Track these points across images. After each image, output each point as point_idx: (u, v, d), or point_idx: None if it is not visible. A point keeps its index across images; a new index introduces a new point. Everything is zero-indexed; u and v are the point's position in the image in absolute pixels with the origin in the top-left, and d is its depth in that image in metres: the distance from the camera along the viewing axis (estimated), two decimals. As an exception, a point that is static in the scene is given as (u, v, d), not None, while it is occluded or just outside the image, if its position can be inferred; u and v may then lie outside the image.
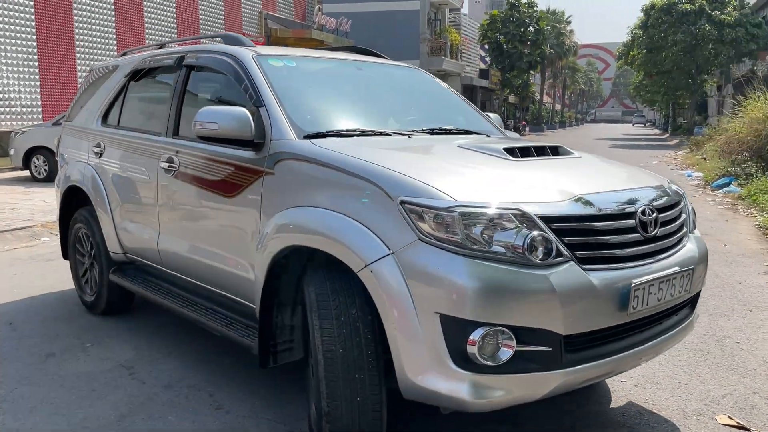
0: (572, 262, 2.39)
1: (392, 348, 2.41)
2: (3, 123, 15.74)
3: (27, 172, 13.58)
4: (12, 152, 13.46)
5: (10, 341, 4.14)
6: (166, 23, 21.04)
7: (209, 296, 3.61)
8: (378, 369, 2.49)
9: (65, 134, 5.29)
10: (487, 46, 43.75)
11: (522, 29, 40.99)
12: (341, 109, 3.59)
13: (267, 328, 2.96)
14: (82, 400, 3.27)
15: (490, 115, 4.40)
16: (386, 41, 28.25)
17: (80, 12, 17.65)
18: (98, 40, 18.31)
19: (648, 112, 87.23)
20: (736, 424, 2.99)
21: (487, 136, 3.87)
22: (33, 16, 16.21)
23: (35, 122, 15.82)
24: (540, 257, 2.34)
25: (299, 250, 2.80)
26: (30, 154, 13.32)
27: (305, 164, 2.87)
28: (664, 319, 2.78)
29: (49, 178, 13.03)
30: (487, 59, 46.28)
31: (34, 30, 16.24)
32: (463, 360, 2.30)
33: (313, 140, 3.00)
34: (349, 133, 3.22)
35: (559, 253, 2.38)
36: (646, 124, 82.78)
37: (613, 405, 3.22)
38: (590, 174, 3.07)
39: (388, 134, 3.35)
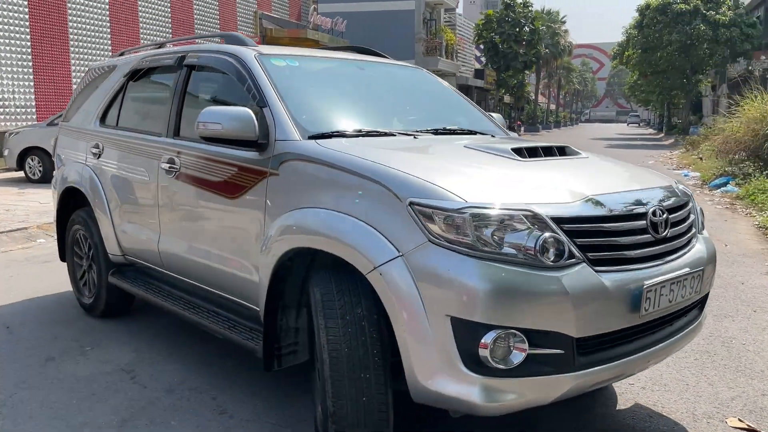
0: (584, 264, 2.36)
1: (402, 351, 2.38)
2: (-3, 123, 15.64)
3: (21, 173, 13.48)
4: (6, 153, 13.36)
5: (7, 345, 4.08)
6: (160, 23, 20.95)
7: (211, 298, 3.57)
8: (384, 368, 2.45)
9: (62, 135, 5.22)
10: (482, 46, 43.78)
11: (517, 29, 41.04)
12: (345, 110, 3.55)
13: (271, 330, 2.92)
14: (83, 404, 3.22)
15: (493, 115, 4.37)
16: (381, 41, 28.15)
17: (74, 11, 17.55)
18: (93, 39, 18.21)
19: (642, 111, 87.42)
20: (746, 427, 2.96)
21: (492, 136, 3.83)
22: (27, 16, 16.11)
23: (29, 123, 15.71)
24: (552, 259, 2.31)
25: (304, 252, 2.76)
26: (24, 154, 13.21)
27: (311, 165, 2.83)
28: (674, 320, 2.76)
29: (44, 179, 12.95)
30: (482, 59, 46.30)
31: (28, 30, 16.13)
32: (474, 363, 2.27)
33: (318, 141, 2.96)
34: (353, 134, 3.18)
35: (571, 255, 2.35)
36: (641, 124, 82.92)
37: (621, 408, 3.19)
38: (599, 174, 3.04)
39: (392, 134, 3.31)
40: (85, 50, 17.91)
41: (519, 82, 44.63)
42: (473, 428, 2.92)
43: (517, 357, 2.27)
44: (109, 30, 18.80)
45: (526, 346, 2.27)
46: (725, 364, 3.70)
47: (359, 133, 3.20)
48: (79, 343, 4.10)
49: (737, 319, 4.50)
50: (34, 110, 16.29)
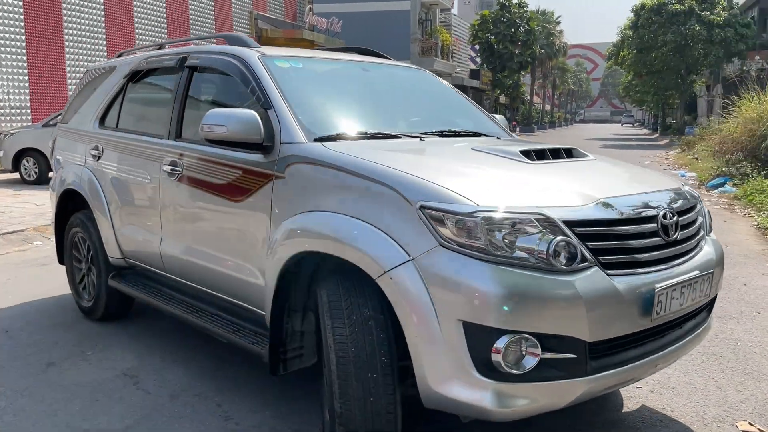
0: (596, 268, 2.35)
1: (413, 356, 2.35)
2: (-9, 124, 15.54)
3: (16, 175, 13.39)
4: (1, 154, 13.27)
5: (7, 350, 4.03)
6: (156, 23, 20.87)
7: (214, 302, 3.53)
8: (392, 369, 2.43)
9: (60, 137, 5.17)
10: (477, 47, 43.80)
11: (513, 29, 41.10)
12: (349, 112, 3.51)
13: (277, 334, 2.89)
14: (86, 411, 3.18)
15: (496, 116, 4.34)
16: (377, 41, 28.04)
17: (69, 12, 17.46)
18: (88, 40, 18.12)
19: (636, 112, 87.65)
20: (758, 430, 2.94)
21: (498, 138, 3.81)
22: (22, 17, 16.02)
23: (24, 124, 15.62)
24: (564, 263, 2.29)
25: (311, 255, 2.73)
26: (19, 156, 13.13)
27: (317, 168, 2.79)
28: (683, 323, 2.75)
29: (40, 181, 12.87)
30: (478, 60, 46.33)
31: (23, 30, 16.04)
32: (486, 368, 2.25)
33: (324, 143, 2.93)
34: (359, 136, 3.15)
35: (584, 258, 2.33)
36: (635, 124, 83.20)
37: (630, 411, 3.17)
38: (608, 177, 3.04)
39: (398, 137, 3.29)
40: (80, 50, 17.83)
41: (514, 82, 44.70)
42: (477, 428, 2.89)
43: (530, 362, 2.25)
44: (104, 30, 18.72)
45: (539, 350, 2.25)
46: (732, 367, 3.68)
47: (365, 136, 3.17)
48: (80, 347, 4.06)
49: (742, 321, 4.48)
50: (28, 111, 16.19)
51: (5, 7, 15.72)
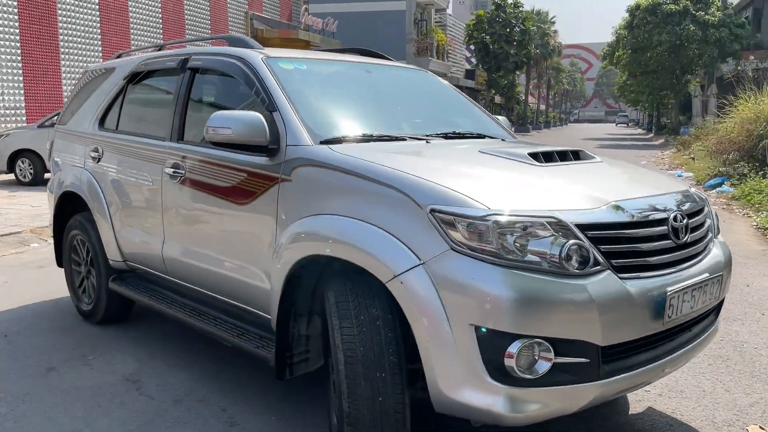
0: (609, 271, 2.34)
1: (424, 360, 2.33)
2: (-14, 125, 15.43)
3: (12, 176, 13.30)
4: (-4, 155, 13.18)
5: (6, 355, 3.98)
6: (151, 24, 20.76)
7: (216, 305, 3.50)
8: (400, 368, 2.41)
9: (58, 138, 5.12)
10: (473, 47, 43.80)
11: (508, 29, 41.12)
12: (354, 114, 3.48)
13: (283, 338, 2.86)
14: (88, 416, 3.13)
15: (499, 117, 4.31)
16: (373, 42, 28.05)
17: (64, 12, 17.36)
18: (83, 40, 18.02)
19: (631, 112, 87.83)
20: (768, 435, 2.92)
21: (502, 140, 3.78)
22: (16, 17, 15.91)
23: (19, 125, 15.52)
24: (576, 266, 2.28)
25: (317, 259, 2.70)
26: (15, 157, 13.04)
27: (324, 171, 2.76)
28: (692, 326, 2.74)
29: (35, 182, 12.79)
30: (473, 60, 46.34)
31: (17, 31, 15.93)
32: (499, 373, 2.23)
33: (330, 146, 2.90)
34: (365, 138, 3.12)
35: (596, 262, 2.32)
36: (629, 124, 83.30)
37: (640, 415, 3.14)
38: (617, 179, 3.03)
39: (403, 139, 3.26)
40: (76, 51, 17.73)
41: (510, 82, 44.71)
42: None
43: (543, 366, 2.24)
44: (99, 31, 18.62)
45: (552, 355, 2.23)
46: (740, 370, 3.66)
47: (370, 138, 3.14)
48: (81, 351, 4.01)
49: (747, 323, 4.46)
50: (23, 112, 16.08)
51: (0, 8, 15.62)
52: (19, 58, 15.95)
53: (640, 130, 61.98)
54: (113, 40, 18.96)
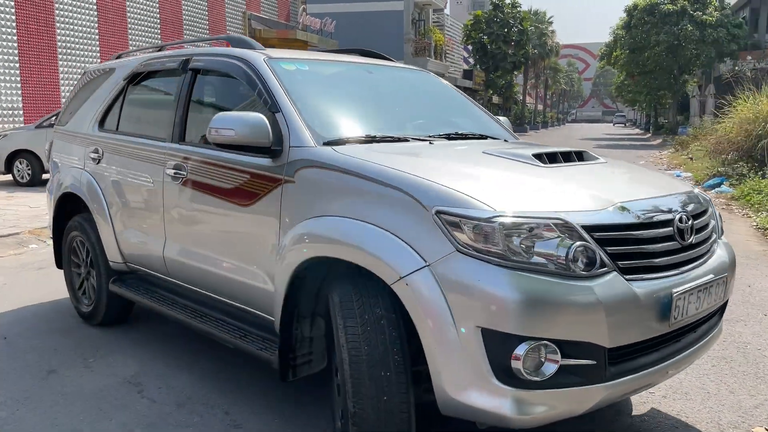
0: (615, 273, 2.33)
1: (429, 362, 2.32)
2: (-17, 126, 15.38)
3: (9, 177, 13.26)
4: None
5: (6, 357, 3.95)
6: (149, 23, 20.72)
7: (218, 307, 3.48)
8: (405, 367, 2.41)
9: (57, 139, 5.09)
10: (471, 47, 43.78)
11: (506, 30, 41.10)
12: (357, 115, 3.46)
13: (286, 340, 2.85)
14: (90, 420, 3.11)
15: (500, 118, 4.30)
16: (370, 42, 28.06)
17: (62, 12, 17.31)
18: (80, 40, 17.97)
19: (628, 111, 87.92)
20: (773, 437, 2.91)
21: (505, 140, 3.77)
22: (14, 16, 15.86)
23: (17, 125, 15.47)
24: (583, 268, 2.27)
25: (321, 261, 2.69)
26: (12, 157, 13.00)
27: (328, 172, 2.75)
28: (697, 327, 2.73)
29: (33, 183, 12.76)
30: (471, 60, 46.33)
31: (14, 31, 15.88)
32: (506, 375, 2.22)
33: (334, 147, 2.88)
34: (368, 139, 3.11)
35: (603, 264, 2.31)
36: (627, 124, 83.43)
37: (645, 417, 3.13)
38: (622, 180, 3.03)
39: (406, 140, 3.24)
40: (73, 51, 17.68)
41: (507, 82, 44.71)
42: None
43: (550, 368, 2.23)
44: (96, 31, 18.57)
45: (558, 357, 2.23)
46: (744, 371, 3.65)
47: (373, 139, 3.13)
48: (81, 353, 3.98)
49: (749, 324, 4.46)
50: (21, 112, 16.04)
51: (-3, 8, 15.58)
52: (17, 58, 15.90)
53: (637, 130, 62.04)
54: (111, 40, 18.92)
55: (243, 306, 3.24)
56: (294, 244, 2.75)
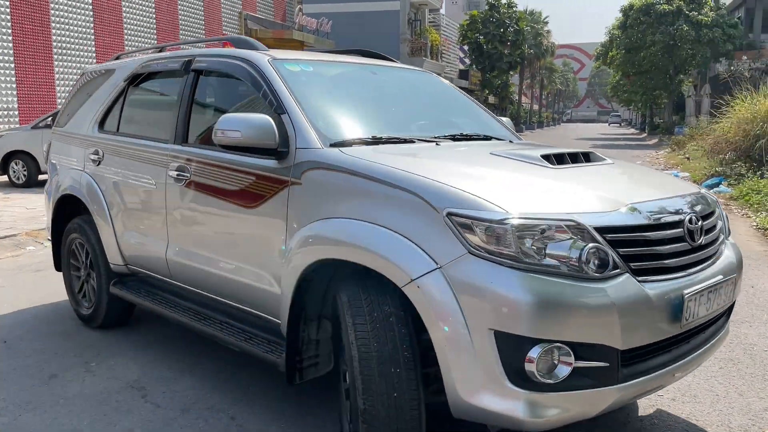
0: (628, 274, 2.31)
1: (442, 365, 2.30)
2: (-22, 127, 15.28)
3: (5, 178, 13.17)
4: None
5: (6, 361, 3.90)
6: (145, 24, 20.64)
7: (221, 309, 3.45)
8: (414, 364, 2.39)
9: (55, 141, 5.04)
10: (467, 47, 43.79)
11: (502, 30, 41.11)
12: (362, 116, 3.43)
13: (292, 343, 2.82)
14: (94, 426, 3.06)
15: (503, 119, 4.27)
16: (367, 42, 27.99)
17: (57, 12, 17.22)
18: (76, 40, 17.88)
19: (623, 111, 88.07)
20: (784, 440, 2.89)
21: (510, 141, 3.75)
22: (9, 16, 15.77)
23: (12, 126, 15.38)
24: (596, 270, 2.26)
25: (328, 263, 2.66)
26: (8, 158, 12.92)
27: (336, 174, 2.72)
28: (706, 328, 2.72)
29: (29, 184, 12.69)
30: (467, 60, 46.33)
31: (9, 32, 15.79)
32: (519, 378, 2.20)
33: (341, 149, 2.85)
34: (374, 140, 3.07)
35: (615, 265, 2.30)
36: (622, 124, 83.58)
37: (655, 421, 3.10)
38: (630, 181, 3.02)
39: (412, 141, 3.22)
40: (69, 51, 17.59)
41: (503, 82, 44.74)
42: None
43: (564, 371, 2.21)
44: (92, 31, 18.49)
45: (572, 359, 2.21)
46: (752, 373, 3.63)
47: (379, 140, 3.10)
48: (83, 358, 3.94)
49: (755, 325, 4.44)
50: (16, 113, 15.95)
51: (-8, 8, 15.48)
52: (12, 58, 15.81)
53: (633, 130, 62.14)
54: (107, 40, 18.84)
55: (248, 308, 3.20)
56: (301, 247, 2.72)
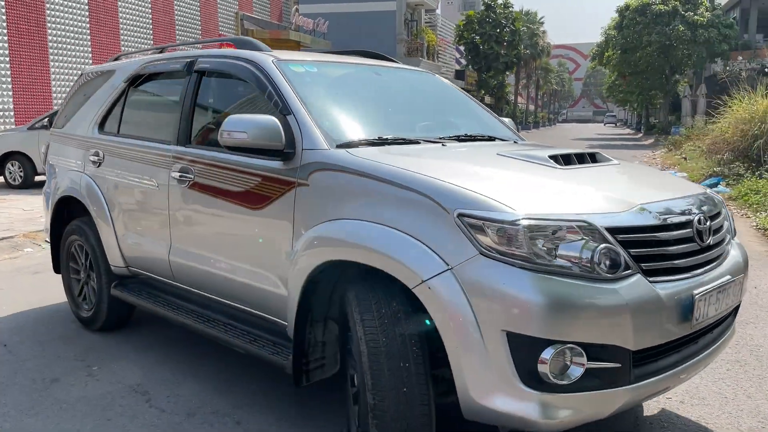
0: (639, 275, 2.30)
1: (453, 367, 2.28)
2: (-26, 127, 15.20)
3: (1, 179, 13.09)
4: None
5: (7, 365, 3.86)
6: (141, 24, 20.57)
7: (224, 311, 3.42)
8: (423, 359, 2.38)
9: (54, 142, 5.00)
10: (463, 47, 43.79)
11: (498, 30, 41.14)
12: (367, 116, 3.40)
13: (299, 344, 2.80)
14: (99, 431, 3.02)
15: (504, 120, 4.25)
16: (363, 42, 27.94)
17: (53, 13, 17.14)
18: (72, 40, 17.81)
19: (619, 112, 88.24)
20: (796, 442, 2.87)
21: (515, 142, 3.73)
22: (4, 17, 15.69)
23: (8, 126, 15.30)
24: (607, 270, 2.25)
25: (334, 265, 2.64)
26: (4, 159, 12.85)
27: (344, 175, 2.69)
28: (713, 328, 2.71)
29: (25, 185, 12.62)
30: (463, 60, 46.34)
31: (5, 31, 15.71)
32: (532, 379, 2.19)
33: (348, 150, 2.82)
34: (380, 141, 3.05)
35: (627, 266, 2.29)
36: (618, 124, 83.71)
37: (665, 424, 3.08)
38: (638, 182, 3.02)
39: (418, 142, 3.20)
40: (65, 52, 17.51)
41: (499, 82, 44.75)
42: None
43: (576, 372, 2.21)
44: (88, 31, 18.41)
45: (584, 360, 2.21)
46: (759, 374, 3.61)
47: (385, 141, 3.07)
48: (84, 361, 3.90)
49: (759, 326, 4.43)
50: (12, 114, 15.86)
51: (-13, 8, 15.40)
52: (7, 58, 15.73)
53: (628, 130, 62.25)
54: (103, 40, 18.77)
55: (253, 310, 3.18)
56: (308, 248, 2.70)
